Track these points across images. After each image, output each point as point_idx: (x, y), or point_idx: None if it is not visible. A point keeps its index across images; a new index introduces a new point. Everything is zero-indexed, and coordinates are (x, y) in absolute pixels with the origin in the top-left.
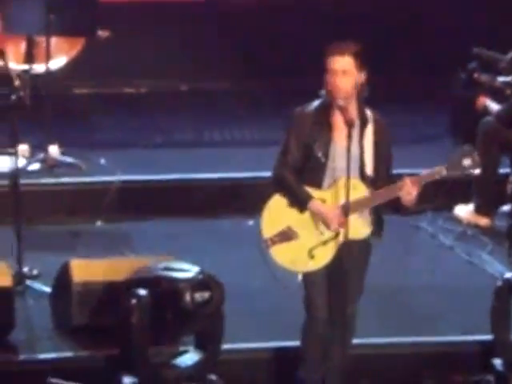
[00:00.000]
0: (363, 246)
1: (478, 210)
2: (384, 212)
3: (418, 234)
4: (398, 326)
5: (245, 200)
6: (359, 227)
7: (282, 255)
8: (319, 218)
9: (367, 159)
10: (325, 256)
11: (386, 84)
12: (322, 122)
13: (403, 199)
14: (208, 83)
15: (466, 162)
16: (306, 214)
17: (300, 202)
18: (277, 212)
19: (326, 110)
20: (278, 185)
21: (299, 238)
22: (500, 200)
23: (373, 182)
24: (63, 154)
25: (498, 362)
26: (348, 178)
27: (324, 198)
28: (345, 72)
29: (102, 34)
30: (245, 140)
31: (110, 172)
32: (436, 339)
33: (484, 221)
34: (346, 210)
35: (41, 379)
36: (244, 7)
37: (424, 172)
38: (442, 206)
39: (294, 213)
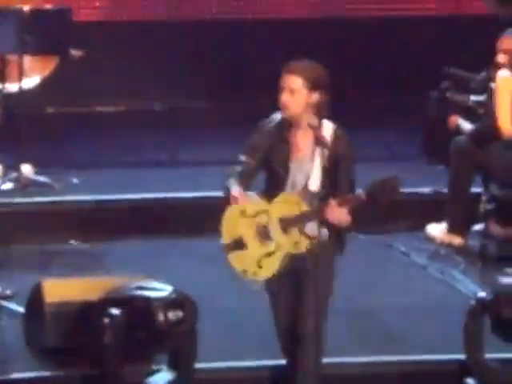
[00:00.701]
0: (320, 258)
1: (451, 229)
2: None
3: (390, 253)
4: (370, 345)
5: (220, 219)
6: (299, 242)
7: (236, 263)
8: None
9: (313, 175)
10: (271, 266)
11: (360, 104)
12: (282, 137)
13: (330, 220)
14: (182, 102)
15: (387, 190)
16: (254, 225)
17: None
18: (231, 220)
19: (286, 124)
20: (224, 192)
21: (248, 248)
22: (473, 219)
23: (321, 198)
24: (36, 173)
25: (470, 382)
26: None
27: (269, 212)
28: (292, 91)
29: (76, 53)
30: (220, 159)
31: (83, 192)
32: (409, 358)
33: (457, 240)
34: (285, 224)
35: None
36: (220, 26)
37: (347, 196)
38: (416, 225)
39: (244, 223)
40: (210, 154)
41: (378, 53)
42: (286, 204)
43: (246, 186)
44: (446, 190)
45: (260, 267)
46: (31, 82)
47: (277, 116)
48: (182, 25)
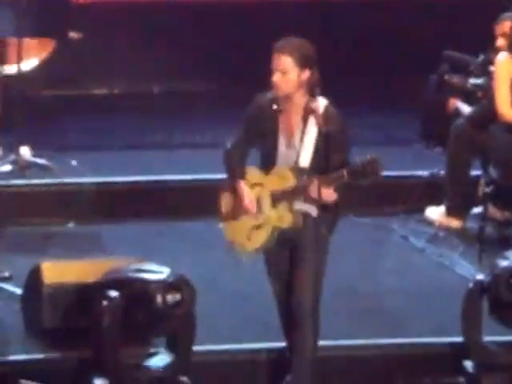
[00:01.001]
0: (311, 235)
1: (450, 212)
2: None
3: (389, 236)
4: (368, 327)
5: (217, 202)
6: (286, 217)
7: (228, 232)
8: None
9: (304, 151)
10: (258, 239)
11: (358, 87)
12: (274, 116)
13: (313, 197)
14: (181, 85)
15: (369, 169)
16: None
17: (231, 179)
18: (230, 192)
19: (276, 101)
20: (223, 160)
21: (241, 219)
22: (471, 202)
23: (310, 173)
24: (35, 155)
25: (468, 364)
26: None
27: (262, 182)
28: (283, 71)
29: (74, 35)
30: (217, 142)
31: (82, 173)
32: (407, 341)
33: (455, 223)
34: (275, 198)
35: (12, 381)
36: (219, 8)
37: (330, 175)
38: (414, 208)
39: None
40: (209, 137)
41: (376, 35)
42: (279, 178)
43: (244, 161)
44: (444, 173)
45: (248, 239)
46: (29, 64)
47: (269, 93)
48: (182, 7)
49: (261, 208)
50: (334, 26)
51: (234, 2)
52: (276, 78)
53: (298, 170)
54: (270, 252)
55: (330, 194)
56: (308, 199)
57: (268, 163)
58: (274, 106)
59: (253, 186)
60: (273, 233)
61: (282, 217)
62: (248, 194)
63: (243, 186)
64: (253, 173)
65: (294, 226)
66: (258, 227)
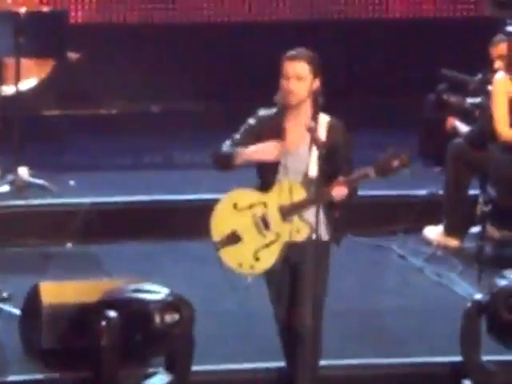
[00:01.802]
0: (318, 250)
1: (448, 232)
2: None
3: (387, 256)
4: (368, 347)
5: (209, 229)
6: (299, 229)
7: (230, 258)
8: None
9: (313, 163)
10: (269, 258)
11: (357, 106)
12: (277, 125)
13: (335, 196)
14: (179, 104)
15: (395, 163)
16: (249, 218)
17: (229, 155)
18: (222, 215)
19: (280, 114)
20: (215, 157)
21: (244, 242)
22: (470, 221)
23: (319, 184)
24: (33, 175)
25: (467, 383)
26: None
27: (265, 202)
28: (299, 77)
29: (73, 55)
30: None
31: (80, 194)
32: (406, 360)
33: (454, 242)
34: (285, 212)
35: None
36: (216, 29)
37: (354, 174)
38: (413, 228)
39: (237, 216)
40: (208, 157)
41: (375, 54)
42: (284, 192)
43: None
44: (442, 193)
45: (257, 259)
46: (28, 84)
47: (272, 108)
48: (180, 27)
49: (268, 226)
50: (330, 46)
51: (234, 22)
52: (292, 84)
53: (307, 181)
54: (271, 272)
55: (350, 193)
56: (323, 205)
57: (267, 178)
58: (278, 120)
59: (252, 206)
60: (284, 249)
61: (298, 229)
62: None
63: (250, 148)
64: (249, 194)
65: (307, 240)
66: (268, 245)
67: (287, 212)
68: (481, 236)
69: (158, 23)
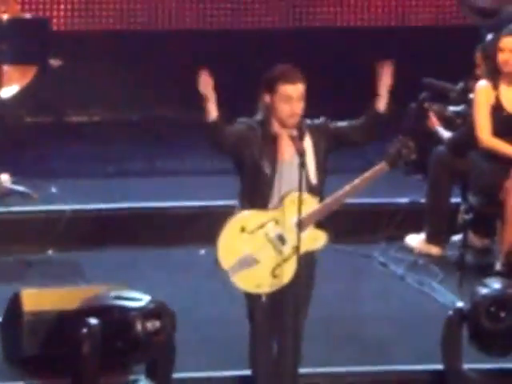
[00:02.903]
0: (309, 258)
1: (430, 240)
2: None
3: (369, 264)
4: (348, 355)
5: (197, 229)
6: (317, 237)
7: (246, 282)
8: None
9: (311, 170)
10: (288, 272)
11: (336, 115)
12: (266, 137)
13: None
14: (159, 112)
15: (404, 151)
16: (262, 237)
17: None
18: (232, 241)
19: (268, 127)
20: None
21: (259, 263)
22: (451, 229)
23: (318, 190)
24: (14, 182)
25: None
26: (300, 192)
27: (276, 219)
28: (301, 98)
29: (54, 62)
30: (197, 169)
31: (62, 201)
32: (387, 368)
33: (435, 250)
34: (303, 224)
35: None
36: (196, 34)
37: (366, 173)
38: (394, 236)
39: (248, 239)
40: (187, 164)
41: (355, 63)
42: (294, 205)
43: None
44: (424, 201)
45: (275, 276)
46: (9, 91)
47: (254, 118)
48: (159, 34)
49: (284, 241)
50: (311, 53)
51: (216, 29)
52: (296, 107)
53: (310, 189)
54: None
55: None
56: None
57: (262, 191)
58: (267, 130)
59: (262, 225)
60: (301, 259)
61: (315, 238)
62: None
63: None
64: (255, 214)
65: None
66: (286, 260)
67: (304, 223)
68: (462, 244)
69: (139, 30)
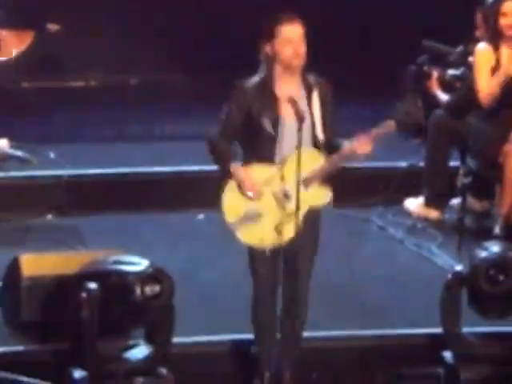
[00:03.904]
0: (315, 216)
1: (428, 203)
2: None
3: (367, 227)
4: (347, 318)
5: (194, 193)
6: (321, 194)
7: (250, 236)
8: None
9: (317, 125)
10: (292, 228)
11: (334, 78)
12: (268, 95)
13: (359, 156)
14: (158, 76)
15: (412, 110)
16: (266, 194)
17: (223, 169)
18: (235, 195)
19: (270, 83)
20: (209, 149)
21: (263, 217)
22: (450, 193)
23: (324, 146)
24: (13, 147)
25: (447, 355)
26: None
27: (281, 175)
28: (302, 39)
29: (52, 27)
30: (195, 133)
31: (60, 166)
32: (385, 332)
33: (434, 214)
34: (308, 181)
35: None
36: (193, 1)
37: (374, 129)
38: (392, 199)
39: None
40: (185, 129)
41: (354, 26)
42: (300, 161)
43: (231, 148)
44: (422, 164)
45: (279, 231)
46: (7, 55)
47: (254, 77)
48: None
49: (289, 198)
50: (309, 16)
51: None
52: (299, 47)
53: (320, 145)
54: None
55: (368, 149)
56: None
57: (268, 150)
58: (268, 88)
59: (267, 181)
60: (305, 216)
61: (319, 195)
62: (249, 177)
63: (240, 169)
64: (260, 170)
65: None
66: (289, 216)
67: (310, 180)
68: (461, 207)
69: None
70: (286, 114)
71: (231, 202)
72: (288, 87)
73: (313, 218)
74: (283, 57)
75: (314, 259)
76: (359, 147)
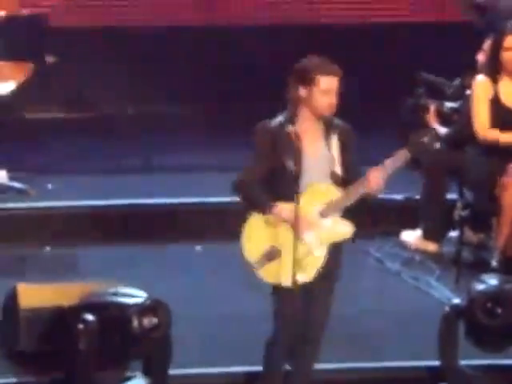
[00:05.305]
0: (336, 250)
1: (426, 236)
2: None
3: (365, 259)
4: (344, 351)
5: (193, 225)
6: (342, 229)
7: (272, 274)
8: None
9: (336, 160)
10: (316, 262)
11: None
12: (290, 134)
13: (372, 191)
14: (156, 107)
15: (426, 139)
16: (285, 230)
17: (261, 207)
18: (255, 234)
19: (293, 122)
20: (239, 190)
21: (285, 254)
22: (448, 226)
23: (344, 183)
24: (11, 178)
25: None
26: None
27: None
28: (337, 90)
29: (50, 59)
30: (194, 164)
31: (58, 197)
32: (383, 365)
33: (431, 246)
34: (324, 214)
35: None
36: (192, 31)
37: (387, 160)
38: (389, 232)
39: (272, 231)
40: (185, 160)
41: (353, 58)
42: (316, 195)
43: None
44: (418, 197)
45: (302, 268)
46: (6, 87)
47: (276, 118)
48: (157, 30)
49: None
50: (310, 50)
51: (208, 25)
52: (334, 99)
53: (336, 180)
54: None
55: (380, 184)
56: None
57: (292, 189)
58: (290, 127)
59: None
60: (328, 251)
61: (341, 229)
62: (291, 211)
63: (283, 206)
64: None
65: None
66: (309, 252)
67: (326, 213)
68: (459, 240)
69: (135, 26)
70: (309, 152)
71: (252, 240)
72: (308, 124)
73: (334, 252)
74: (318, 106)
75: (333, 288)
76: (372, 184)
